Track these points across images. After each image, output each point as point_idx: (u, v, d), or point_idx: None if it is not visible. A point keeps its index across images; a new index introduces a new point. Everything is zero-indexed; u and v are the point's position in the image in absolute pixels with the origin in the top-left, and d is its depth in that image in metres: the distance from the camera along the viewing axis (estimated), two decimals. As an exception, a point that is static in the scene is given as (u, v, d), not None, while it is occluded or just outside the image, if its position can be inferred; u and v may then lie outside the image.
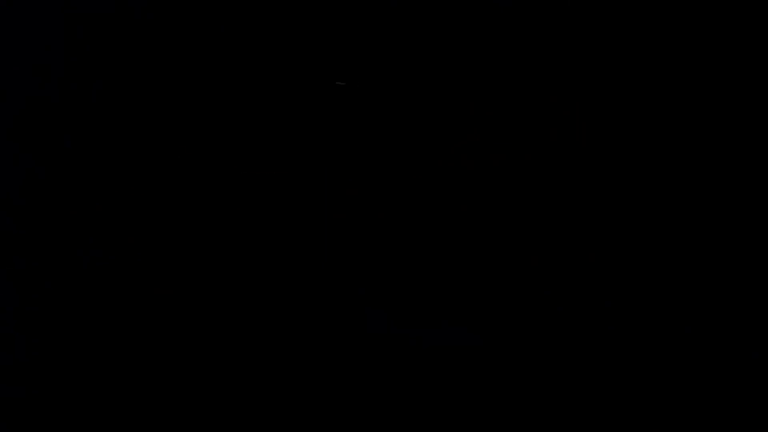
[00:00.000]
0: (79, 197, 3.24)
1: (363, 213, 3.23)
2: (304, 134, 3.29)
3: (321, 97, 3.30)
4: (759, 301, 3.12)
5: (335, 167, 3.26)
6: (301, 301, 3.17)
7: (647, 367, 3.08)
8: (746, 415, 3.06)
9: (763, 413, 3.04)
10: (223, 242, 3.21)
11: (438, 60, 3.28)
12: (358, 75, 3.29)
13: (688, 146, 3.23)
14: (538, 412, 3.06)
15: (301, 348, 3.12)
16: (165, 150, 3.27)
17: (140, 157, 3.26)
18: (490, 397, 3.07)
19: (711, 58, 3.25)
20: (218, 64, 3.29)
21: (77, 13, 3.28)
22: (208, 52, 3.29)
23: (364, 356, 3.11)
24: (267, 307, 3.16)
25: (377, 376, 3.09)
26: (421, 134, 3.27)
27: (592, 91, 3.25)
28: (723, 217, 3.18)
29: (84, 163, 3.26)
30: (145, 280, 3.18)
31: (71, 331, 3.14)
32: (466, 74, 3.28)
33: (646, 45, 3.26)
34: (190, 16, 3.30)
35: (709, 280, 3.14)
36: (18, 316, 3.14)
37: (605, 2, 3.27)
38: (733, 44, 3.25)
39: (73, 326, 3.15)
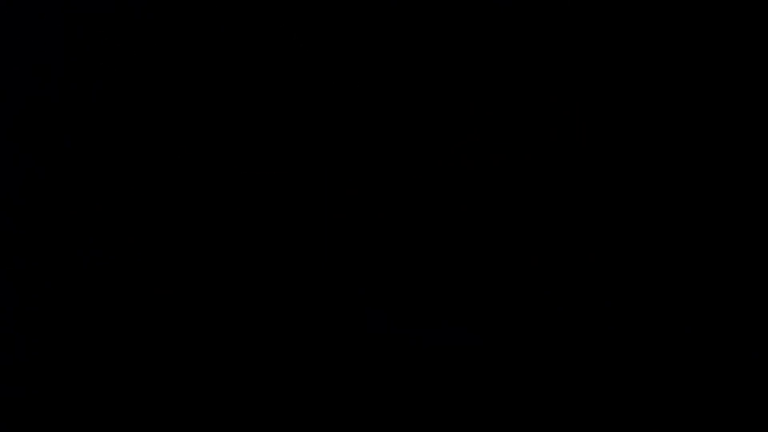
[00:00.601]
0: (79, 197, 3.24)
1: (363, 213, 3.24)
2: (304, 134, 3.30)
3: (321, 97, 3.31)
4: (759, 301, 3.13)
5: (335, 167, 3.26)
6: (300, 301, 3.18)
7: (647, 367, 3.09)
8: (746, 415, 3.07)
9: (763, 413, 3.06)
10: (222, 242, 3.22)
11: (437, 60, 3.29)
12: (358, 74, 3.30)
13: (689, 146, 3.24)
14: (538, 412, 3.07)
15: (300, 348, 3.13)
16: (165, 150, 3.28)
17: (140, 157, 3.27)
18: (490, 397, 3.08)
19: (711, 58, 3.26)
20: (218, 64, 3.30)
21: (77, 13, 3.29)
22: (208, 52, 3.30)
23: (364, 356, 3.12)
24: (267, 307, 3.17)
25: (377, 376, 3.10)
26: (421, 134, 3.28)
27: (592, 91, 3.26)
28: (723, 217, 3.19)
29: (84, 163, 3.26)
30: (145, 280, 3.19)
31: (71, 331, 3.15)
32: (466, 74, 3.29)
33: (646, 45, 3.27)
34: (190, 16, 3.31)
35: (708, 280, 3.15)
36: (18, 316, 3.15)
37: (605, 2, 3.28)
38: (733, 44, 3.26)
39: (73, 326, 3.15)
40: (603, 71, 3.25)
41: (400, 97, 3.28)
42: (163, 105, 3.28)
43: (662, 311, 3.13)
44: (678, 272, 3.16)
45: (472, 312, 3.14)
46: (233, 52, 3.29)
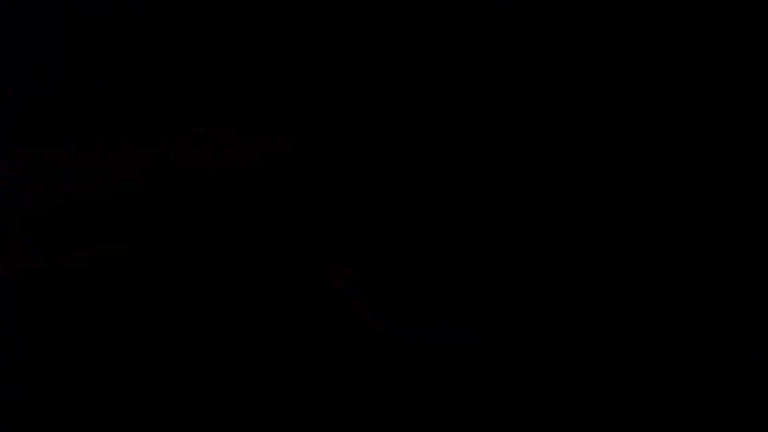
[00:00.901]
0: (79, 197, 3.25)
1: (363, 213, 3.24)
2: (304, 134, 3.30)
3: (320, 96, 3.31)
4: (759, 301, 3.13)
5: (335, 167, 3.27)
6: (300, 301, 3.18)
7: (647, 367, 3.09)
8: (746, 415, 3.07)
9: (763, 413, 3.05)
10: (222, 242, 3.23)
11: (438, 60, 3.29)
12: (358, 74, 3.30)
13: (689, 146, 3.24)
14: (539, 412, 3.07)
15: (300, 347, 3.13)
16: (164, 150, 3.28)
17: (140, 157, 3.27)
18: (490, 397, 3.08)
19: (711, 58, 3.26)
20: (218, 64, 3.30)
21: (77, 13, 3.29)
22: (208, 52, 3.30)
23: (364, 356, 3.12)
24: (267, 307, 3.17)
25: (377, 376, 3.10)
26: (420, 134, 3.28)
27: (592, 91, 3.26)
28: (723, 217, 3.19)
29: (84, 163, 3.26)
30: (144, 279, 3.19)
31: (71, 331, 3.15)
32: (466, 74, 3.29)
33: (646, 45, 3.27)
34: (190, 16, 3.31)
35: (708, 280, 3.15)
36: (18, 316, 3.15)
37: (605, 2, 3.28)
38: (733, 44, 3.26)
39: (73, 326, 3.15)
40: (603, 71, 3.25)
41: (400, 97, 3.28)
42: (163, 105, 3.28)
43: (662, 311, 3.13)
44: (678, 272, 3.16)
45: (472, 312, 3.14)
46: (233, 52, 3.29)
